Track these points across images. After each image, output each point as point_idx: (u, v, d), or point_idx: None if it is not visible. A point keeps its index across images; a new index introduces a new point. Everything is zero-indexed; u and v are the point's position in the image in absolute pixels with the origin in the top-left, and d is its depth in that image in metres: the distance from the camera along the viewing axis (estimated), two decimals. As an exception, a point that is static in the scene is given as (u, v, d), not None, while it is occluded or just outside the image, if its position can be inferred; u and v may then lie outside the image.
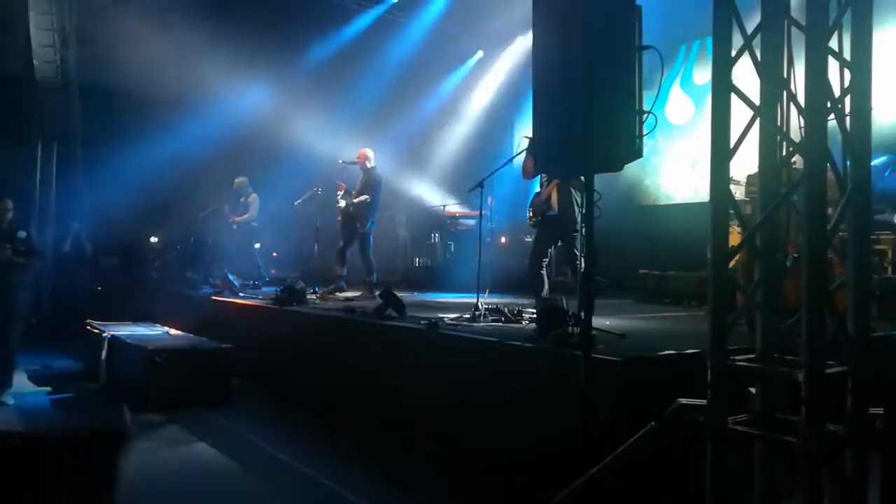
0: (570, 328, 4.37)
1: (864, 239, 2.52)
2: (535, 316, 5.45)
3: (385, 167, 9.38)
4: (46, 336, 8.28)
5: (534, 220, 6.46)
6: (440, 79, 13.52)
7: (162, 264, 10.65)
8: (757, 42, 2.77)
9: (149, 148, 10.10)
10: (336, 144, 11.07)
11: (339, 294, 8.38)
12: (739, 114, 2.80)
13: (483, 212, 6.65)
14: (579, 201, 5.96)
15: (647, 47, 3.48)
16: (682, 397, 2.88)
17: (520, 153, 6.12)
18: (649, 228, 9.68)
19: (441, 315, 5.88)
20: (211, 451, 4.96)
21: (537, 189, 6.78)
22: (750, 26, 2.79)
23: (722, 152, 2.68)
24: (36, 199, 9.11)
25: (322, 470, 4.42)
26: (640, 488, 3.13)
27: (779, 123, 2.76)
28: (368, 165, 8.66)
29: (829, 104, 2.51)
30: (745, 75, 2.83)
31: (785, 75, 2.76)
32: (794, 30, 2.76)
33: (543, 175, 6.28)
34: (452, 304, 7.50)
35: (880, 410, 2.46)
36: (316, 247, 9.53)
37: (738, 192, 6.77)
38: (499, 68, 13.40)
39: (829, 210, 2.67)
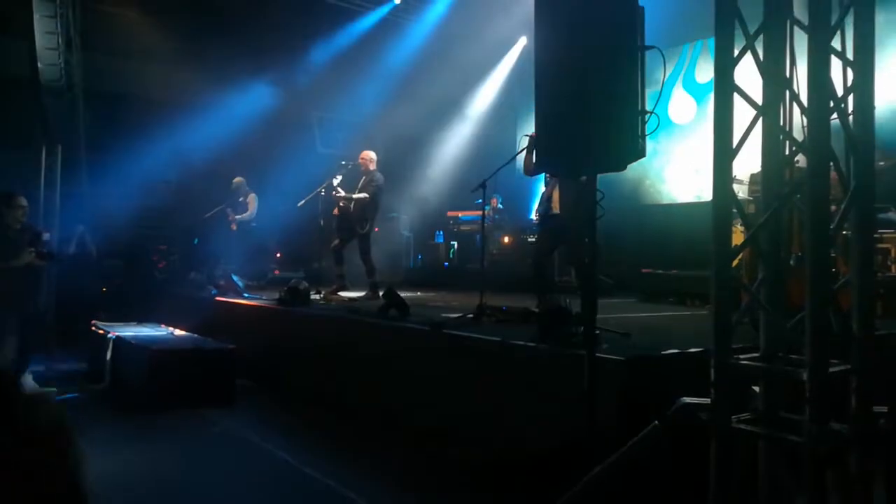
0: (574, 327, 4.38)
1: (867, 238, 2.52)
2: (538, 315, 5.46)
3: (388, 167, 9.39)
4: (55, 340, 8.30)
5: (537, 219, 6.47)
6: (443, 79, 13.53)
7: (166, 266, 10.68)
8: (759, 41, 2.77)
9: (152, 150, 10.13)
10: (339, 145, 11.10)
11: (342, 294, 8.38)
12: (742, 113, 2.80)
13: (486, 212, 6.66)
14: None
15: (650, 47, 3.49)
16: (686, 396, 2.88)
17: (520, 152, 6.13)
18: (652, 227, 9.70)
19: (444, 315, 5.88)
20: (214, 451, 4.99)
21: (542, 188, 6.79)
22: (752, 26, 2.79)
23: (725, 152, 2.68)
24: (40, 202, 9.12)
25: (325, 470, 4.43)
26: (644, 487, 3.13)
27: (782, 123, 2.75)
28: (371, 168, 8.63)
29: (832, 104, 2.51)
30: (748, 75, 2.84)
31: (788, 75, 2.76)
32: (796, 29, 2.76)
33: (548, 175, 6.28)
34: (456, 303, 7.51)
35: (884, 409, 2.46)
36: (319, 248, 9.54)
37: (742, 191, 6.77)
38: (502, 68, 13.42)
39: (833, 208, 2.68)
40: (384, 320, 5.89)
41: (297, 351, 6.74)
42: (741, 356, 2.72)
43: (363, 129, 11.89)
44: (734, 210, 2.78)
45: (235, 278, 8.91)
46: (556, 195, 6.17)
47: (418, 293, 8.76)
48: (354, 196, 8.44)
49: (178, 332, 7.29)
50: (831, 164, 2.52)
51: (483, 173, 6.42)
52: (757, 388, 2.75)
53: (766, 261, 2.68)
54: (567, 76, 3.52)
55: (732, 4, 2.72)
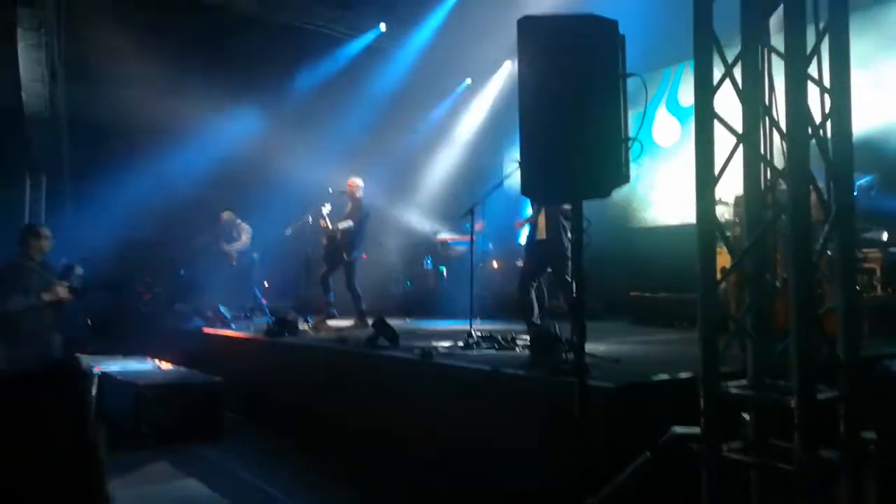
0: (564, 355, 4.37)
1: (850, 262, 2.54)
2: (528, 343, 5.45)
3: (375, 194, 9.39)
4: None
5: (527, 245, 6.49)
6: (429, 105, 13.62)
7: (151, 298, 10.57)
8: (738, 69, 2.80)
9: (138, 181, 10.09)
10: (326, 173, 11.09)
11: (330, 322, 8.33)
12: (724, 137, 2.82)
13: (474, 237, 6.66)
14: (568, 228, 5.98)
15: (632, 75, 3.52)
16: (679, 421, 2.86)
17: (507, 177, 6.16)
18: (639, 250, 9.71)
19: (434, 343, 5.85)
20: (201, 487, 4.89)
21: (528, 211, 6.82)
22: (730, 53, 2.83)
23: (706, 179, 2.70)
24: (24, 234, 9.05)
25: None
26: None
27: (762, 149, 2.78)
28: (357, 195, 8.62)
29: (810, 130, 2.54)
30: (729, 100, 2.86)
31: (767, 101, 2.80)
32: (774, 56, 2.80)
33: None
34: (445, 330, 7.47)
35: (873, 435, 2.45)
36: (307, 276, 9.49)
37: (727, 213, 6.81)
38: (487, 94, 13.52)
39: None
40: (373, 350, 5.85)
41: (285, 382, 6.67)
42: (730, 383, 2.71)
43: (349, 156, 11.91)
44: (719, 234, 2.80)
45: (223, 309, 8.83)
46: (542, 221, 6.20)
47: (407, 320, 8.71)
48: (340, 226, 8.43)
49: (164, 365, 7.20)
50: (811, 189, 2.54)
51: (472, 198, 6.44)
52: (747, 415, 2.74)
53: (752, 287, 2.68)
54: (550, 103, 3.54)
55: (710, 33, 2.76)
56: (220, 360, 7.43)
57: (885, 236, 6.40)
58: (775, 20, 2.81)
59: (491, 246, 11.25)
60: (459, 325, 7.13)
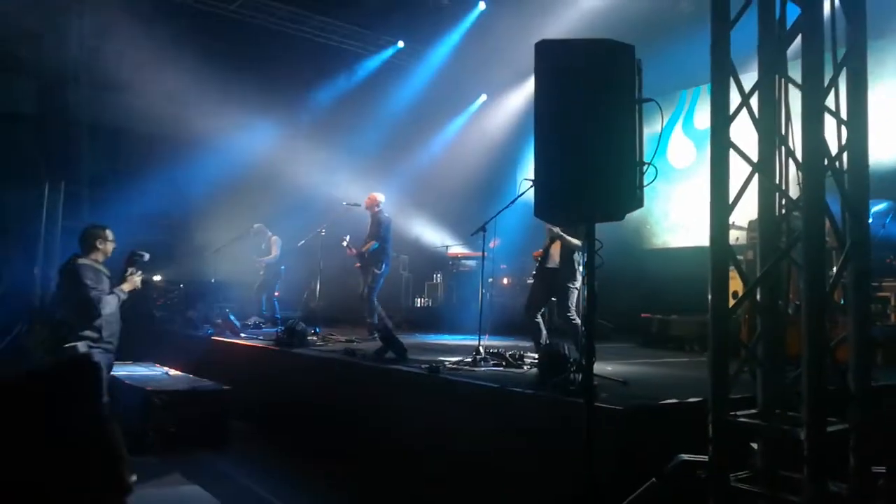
0: (572, 375, 4.36)
1: (864, 294, 2.53)
2: (536, 361, 5.44)
3: (389, 208, 9.45)
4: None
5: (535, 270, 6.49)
6: (444, 122, 13.69)
7: (164, 303, 10.63)
8: (754, 99, 2.81)
9: (154, 187, 10.19)
10: (340, 185, 11.15)
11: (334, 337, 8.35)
12: (739, 162, 2.83)
13: (485, 254, 6.67)
14: (579, 260, 5.97)
15: (648, 100, 3.54)
16: (686, 445, 2.85)
17: (520, 195, 6.17)
18: (651, 271, 9.67)
19: (442, 358, 5.85)
20: (205, 496, 4.90)
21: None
22: (747, 78, 2.84)
23: (721, 207, 2.70)
24: (41, 239, 9.14)
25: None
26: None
27: (777, 178, 2.78)
28: (376, 210, 8.74)
29: (826, 161, 2.54)
30: (744, 126, 2.87)
31: (783, 131, 2.80)
32: (791, 86, 2.81)
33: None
34: (454, 346, 7.46)
35: (883, 469, 2.43)
36: (318, 288, 9.52)
37: (741, 237, 6.79)
38: (502, 111, 13.58)
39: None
40: (381, 363, 5.85)
41: (293, 392, 6.68)
42: (739, 413, 2.69)
43: (363, 169, 11.97)
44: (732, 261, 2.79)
45: (233, 317, 8.87)
46: (556, 248, 6.20)
47: (416, 335, 8.72)
48: (364, 249, 8.61)
49: (173, 371, 7.23)
50: (826, 220, 2.54)
51: (485, 214, 6.46)
52: (755, 445, 2.72)
53: (764, 316, 2.67)
54: (566, 126, 3.56)
55: (727, 64, 2.77)
56: (228, 368, 7.46)
57: (900, 265, 6.35)
58: (792, 49, 2.83)
59: (503, 266, 11.25)
60: (467, 341, 7.12)
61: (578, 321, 5.73)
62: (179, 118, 10.77)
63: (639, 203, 3.53)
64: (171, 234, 11.45)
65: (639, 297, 9.16)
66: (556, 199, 3.77)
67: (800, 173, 2.60)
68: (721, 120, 2.73)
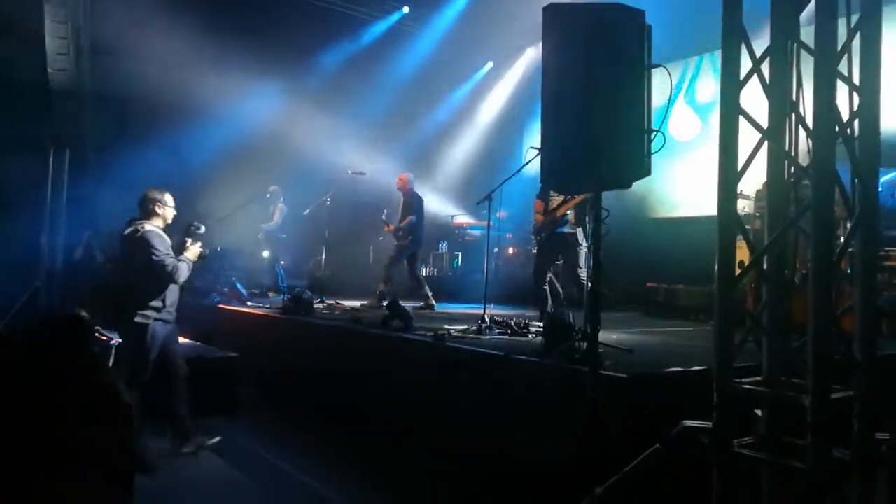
0: (577, 343, 4.37)
1: (871, 264, 2.51)
2: (541, 329, 5.46)
3: (393, 177, 9.44)
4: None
5: (541, 236, 6.52)
6: (450, 89, 13.57)
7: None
8: (765, 64, 2.77)
9: (160, 155, 10.15)
10: (345, 154, 11.10)
11: (344, 303, 8.40)
12: (747, 130, 2.79)
13: (490, 223, 6.66)
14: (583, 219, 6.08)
15: (657, 66, 3.49)
16: (691, 412, 2.87)
17: (526, 164, 6.15)
18: (657, 241, 9.65)
19: (447, 327, 5.88)
20: (215, 461, 4.99)
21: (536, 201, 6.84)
22: (757, 44, 2.79)
23: (729, 175, 2.68)
24: (48, 207, 9.16)
25: (325, 481, 4.43)
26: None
27: (787, 146, 2.75)
28: (407, 188, 9.00)
29: (837, 128, 2.51)
30: (752, 95, 2.83)
31: (794, 97, 2.76)
32: (803, 52, 2.76)
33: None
34: (459, 315, 7.50)
35: (887, 436, 2.44)
36: (324, 256, 9.54)
37: (748, 207, 6.75)
38: (508, 79, 13.45)
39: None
40: (387, 332, 5.89)
41: (299, 360, 6.74)
42: (743, 380, 2.70)
43: (369, 136, 11.90)
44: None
45: (239, 286, 8.92)
46: (572, 213, 6.29)
47: (422, 304, 8.75)
48: (402, 225, 8.87)
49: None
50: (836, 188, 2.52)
51: (491, 183, 6.44)
52: (759, 411, 2.74)
53: (770, 285, 2.67)
54: (573, 92, 3.53)
55: (739, 26, 2.72)
56: (235, 336, 7.52)
57: (907, 235, 6.31)
58: (805, 13, 2.77)
59: (509, 235, 11.24)
60: (473, 310, 7.15)
61: (585, 278, 5.85)
62: (185, 85, 10.69)
63: (646, 171, 3.51)
64: (177, 202, 11.42)
65: (644, 267, 9.16)
66: (563, 167, 3.75)
67: (810, 140, 2.57)
68: (731, 85, 2.69)
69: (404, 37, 12.76)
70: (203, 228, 5.32)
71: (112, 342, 6.78)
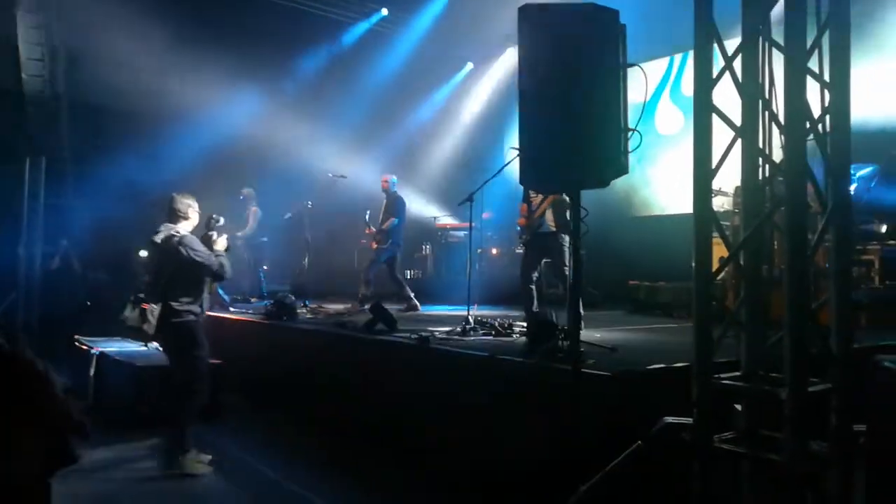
0: (561, 342, 4.39)
1: (845, 258, 2.55)
2: (525, 330, 5.48)
3: (375, 179, 9.43)
4: (35, 354, 8.18)
5: (525, 237, 6.54)
6: (430, 90, 13.56)
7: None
8: (738, 62, 2.80)
9: (138, 163, 10.06)
10: (326, 157, 11.05)
11: (327, 307, 8.37)
12: (723, 129, 2.82)
13: (473, 224, 6.67)
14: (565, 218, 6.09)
15: (632, 65, 3.52)
16: (674, 409, 2.89)
17: (507, 165, 6.17)
18: (639, 239, 9.70)
19: (431, 329, 5.88)
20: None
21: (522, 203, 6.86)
22: (730, 42, 2.82)
23: (704, 172, 2.70)
24: (24, 216, 9.04)
25: (310, 486, 4.41)
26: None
27: (761, 143, 2.78)
28: (390, 189, 9.05)
29: (808, 124, 2.54)
30: (728, 92, 2.86)
31: (767, 95, 2.79)
32: (775, 50, 2.79)
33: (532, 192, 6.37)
34: (443, 316, 7.50)
35: (863, 428, 2.47)
36: (306, 260, 9.49)
37: (727, 203, 6.81)
38: (488, 80, 13.47)
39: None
40: (371, 335, 5.88)
41: (283, 365, 6.71)
42: (722, 375, 2.73)
43: (349, 139, 11.86)
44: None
45: (221, 292, 8.85)
46: (549, 213, 6.29)
47: (405, 306, 8.73)
48: (384, 227, 8.88)
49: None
50: (808, 183, 2.55)
51: (472, 184, 6.44)
52: (739, 406, 2.76)
53: (747, 280, 2.69)
54: (550, 93, 3.54)
55: (710, 26, 2.75)
56: (218, 342, 7.44)
57: (883, 229, 6.40)
58: (776, 12, 2.81)
59: (490, 234, 11.25)
60: (457, 311, 7.16)
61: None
62: (161, 91, 10.60)
63: (623, 169, 3.53)
64: (155, 209, 11.31)
65: (626, 265, 9.21)
66: (540, 167, 3.77)
67: (782, 137, 2.60)
68: (704, 84, 2.72)
69: (383, 39, 12.74)
70: (222, 220, 5.39)
71: (93, 351, 6.72)
